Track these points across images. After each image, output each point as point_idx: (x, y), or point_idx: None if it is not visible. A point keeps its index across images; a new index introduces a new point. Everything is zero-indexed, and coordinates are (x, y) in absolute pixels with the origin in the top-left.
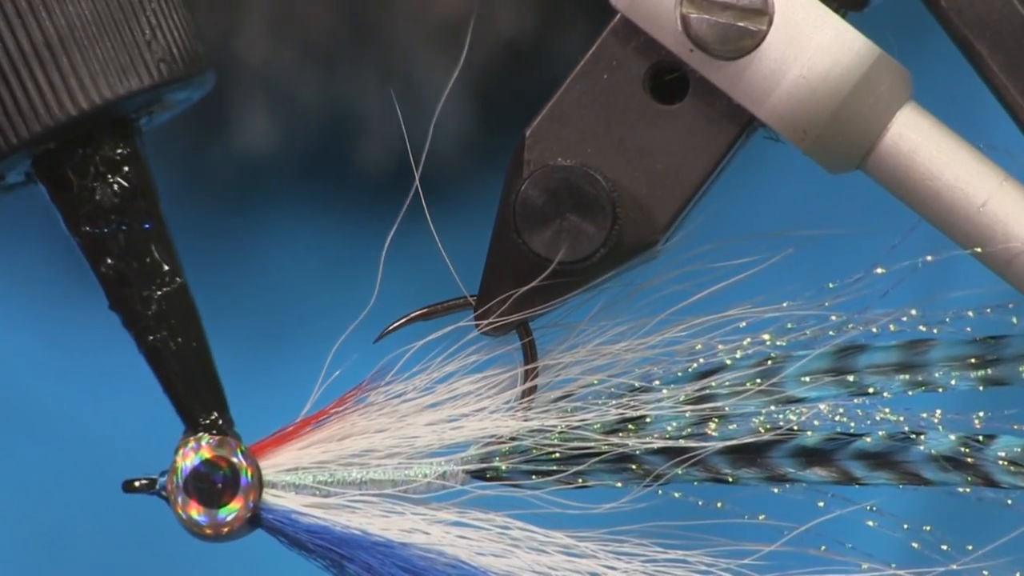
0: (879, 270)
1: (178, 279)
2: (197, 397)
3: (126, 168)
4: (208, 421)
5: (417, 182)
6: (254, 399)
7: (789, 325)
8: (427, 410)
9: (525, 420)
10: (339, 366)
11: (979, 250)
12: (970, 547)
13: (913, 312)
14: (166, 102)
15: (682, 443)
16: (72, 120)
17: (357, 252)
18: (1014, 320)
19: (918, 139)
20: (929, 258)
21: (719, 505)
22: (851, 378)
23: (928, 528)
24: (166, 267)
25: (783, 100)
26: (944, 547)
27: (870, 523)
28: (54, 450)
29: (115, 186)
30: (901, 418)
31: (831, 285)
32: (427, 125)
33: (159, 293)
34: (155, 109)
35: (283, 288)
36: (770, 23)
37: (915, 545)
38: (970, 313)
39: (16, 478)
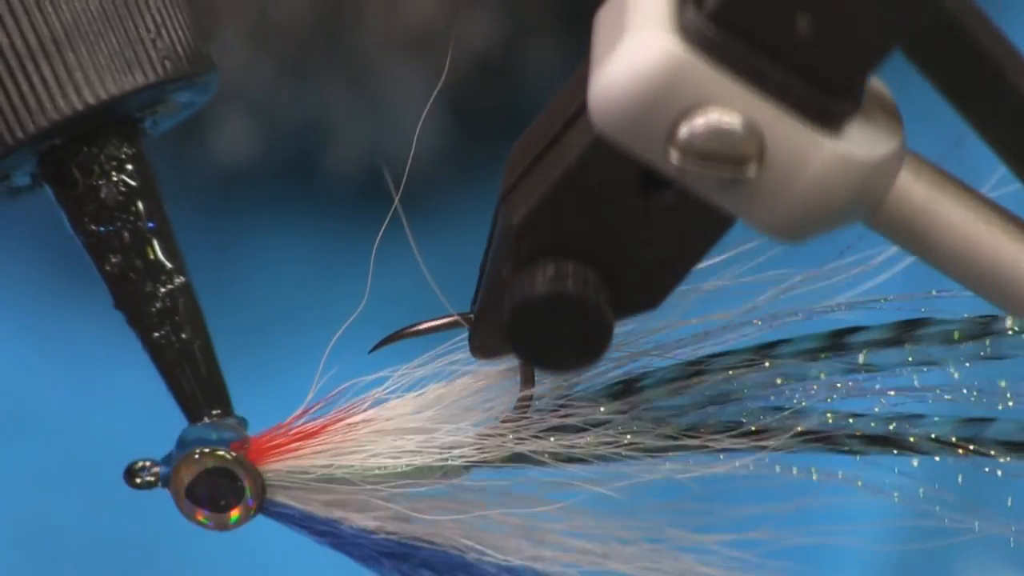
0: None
1: (182, 277)
2: (202, 394)
3: (131, 167)
4: (212, 418)
5: (398, 195)
6: (243, 400)
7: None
8: (425, 408)
9: (516, 442)
10: (330, 367)
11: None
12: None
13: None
14: (170, 103)
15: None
16: (78, 115)
17: (338, 255)
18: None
19: (921, 204)
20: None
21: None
22: (846, 352)
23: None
24: (170, 265)
25: (779, 219)
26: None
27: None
28: (50, 452)
29: (120, 185)
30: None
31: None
32: (399, 133)
33: (163, 290)
34: (159, 110)
35: (266, 293)
36: (761, 160)
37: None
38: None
39: (11, 480)
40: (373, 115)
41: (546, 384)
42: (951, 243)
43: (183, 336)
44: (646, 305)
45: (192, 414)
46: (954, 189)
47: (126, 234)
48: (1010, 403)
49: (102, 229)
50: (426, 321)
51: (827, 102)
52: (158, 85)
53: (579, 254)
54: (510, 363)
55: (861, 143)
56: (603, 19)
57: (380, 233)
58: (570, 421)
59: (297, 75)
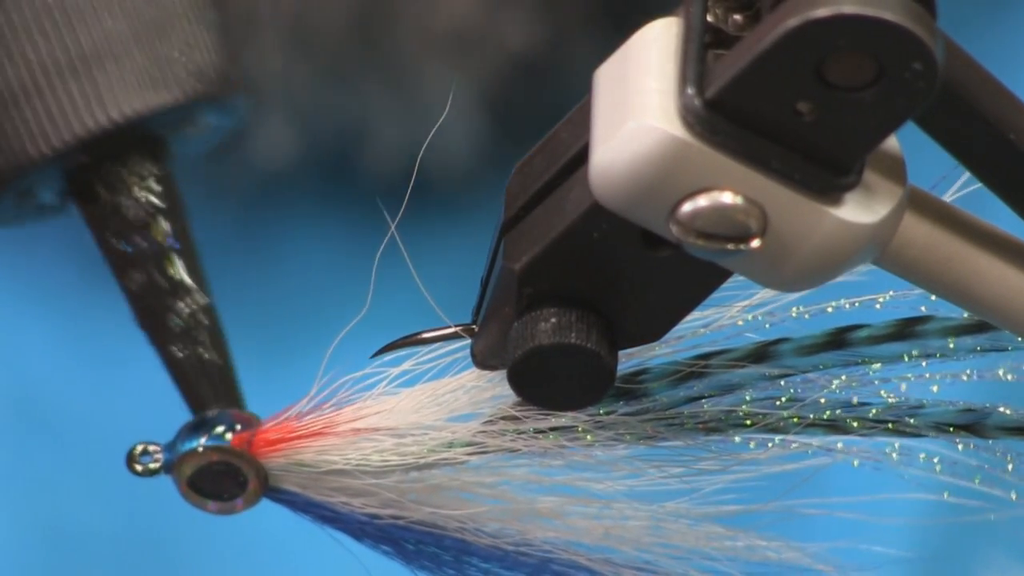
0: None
1: (205, 297)
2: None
3: (156, 186)
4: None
5: (404, 203)
6: (268, 401)
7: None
8: (423, 413)
9: (518, 437)
10: (340, 362)
11: None
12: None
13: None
14: (198, 123)
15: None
16: (103, 131)
17: (371, 254)
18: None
19: (926, 237)
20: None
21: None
22: (847, 346)
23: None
24: (192, 285)
25: (782, 280)
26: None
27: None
28: (67, 446)
29: (145, 203)
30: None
31: None
32: (436, 136)
33: (186, 311)
34: (187, 130)
35: (301, 293)
36: (763, 233)
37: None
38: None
39: (29, 474)
40: (411, 116)
41: None
42: (956, 279)
43: (205, 357)
44: (648, 339)
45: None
46: (958, 224)
47: (149, 253)
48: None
49: (125, 246)
50: (428, 331)
51: (830, 178)
52: (185, 104)
53: (581, 301)
54: None
55: (864, 206)
56: (603, 82)
57: (386, 237)
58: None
59: (335, 78)
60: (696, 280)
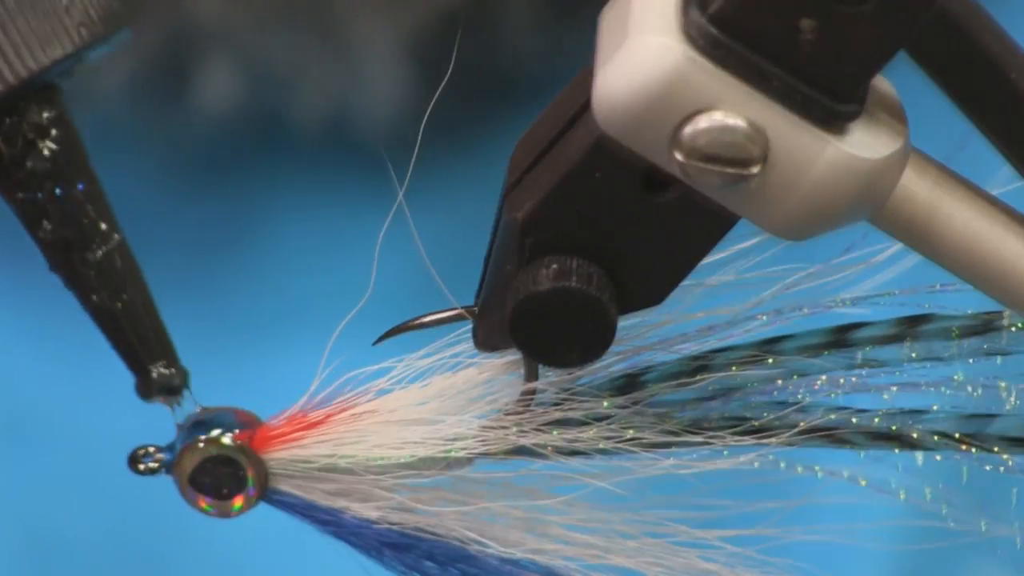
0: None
1: (116, 236)
2: (147, 350)
3: (54, 131)
4: (160, 371)
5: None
6: (243, 385)
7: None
8: (425, 409)
9: (521, 434)
10: (336, 356)
11: None
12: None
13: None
14: (85, 61)
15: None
16: (2, 93)
17: (350, 223)
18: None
19: (923, 203)
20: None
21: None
22: (849, 348)
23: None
24: (104, 226)
25: (782, 219)
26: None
27: (898, 493)
28: (51, 456)
29: (45, 151)
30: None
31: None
32: (364, 88)
33: (100, 252)
34: (75, 70)
35: (271, 280)
36: (765, 161)
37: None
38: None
39: (15, 486)
40: (340, 67)
41: (549, 376)
42: (954, 240)
43: (124, 296)
44: (650, 301)
45: (138, 368)
46: (958, 187)
47: (56, 200)
48: (1013, 400)
49: (31, 196)
50: (430, 314)
51: (831, 104)
52: (76, 54)
53: (583, 251)
54: (514, 355)
55: (865, 143)
56: (607, 19)
57: (384, 228)
58: (573, 415)
59: (273, 25)
60: (696, 231)
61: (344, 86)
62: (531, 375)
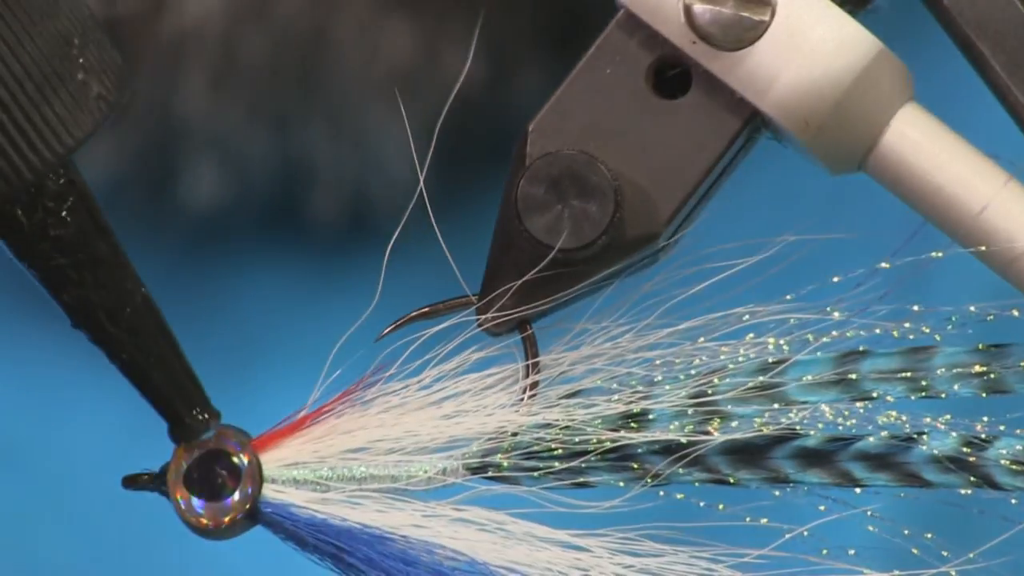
0: (883, 264)
1: (140, 294)
2: (183, 399)
3: (71, 198)
4: (194, 418)
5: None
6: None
7: (792, 320)
8: (427, 407)
9: (527, 415)
10: (334, 368)
11: (982, 248)
12: (972, 555)
13: (916, 308)
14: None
15: (683, 439)
16: (31, 183)
17: (321, 285)
18: (1015, 312)
19: (920, 138)
20: (936, 254)
21: (720, 507)
22: (853, 380)
23: (929, 535)
24: (128, 285)
25: (785, 91)
26: (944, 553)
27: (871, 528)
28: (25, 482)
29: (65, 217)
30: (904, 418)
31: (836, 279)
32: (378, 174)
33: (126, 312)
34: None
35: (250, 326)
36: (772, 14)
37: (915, 551)
38: (972, 308)
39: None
40: (351, 157)
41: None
42: (951, 180)
43: (153, 351)
44: (651, 223)
45: (172, 418)
46: (953, 133)
47: (78, 264)
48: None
49: (54, 264)
50: (434, 304)
51: None
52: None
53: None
54: (513, 359)
55: (869, 34)
56: None
57: (389, 246)
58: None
59: (271, 121)
60: (700, 137)
61: (359, 173)
62: (531, 353)
